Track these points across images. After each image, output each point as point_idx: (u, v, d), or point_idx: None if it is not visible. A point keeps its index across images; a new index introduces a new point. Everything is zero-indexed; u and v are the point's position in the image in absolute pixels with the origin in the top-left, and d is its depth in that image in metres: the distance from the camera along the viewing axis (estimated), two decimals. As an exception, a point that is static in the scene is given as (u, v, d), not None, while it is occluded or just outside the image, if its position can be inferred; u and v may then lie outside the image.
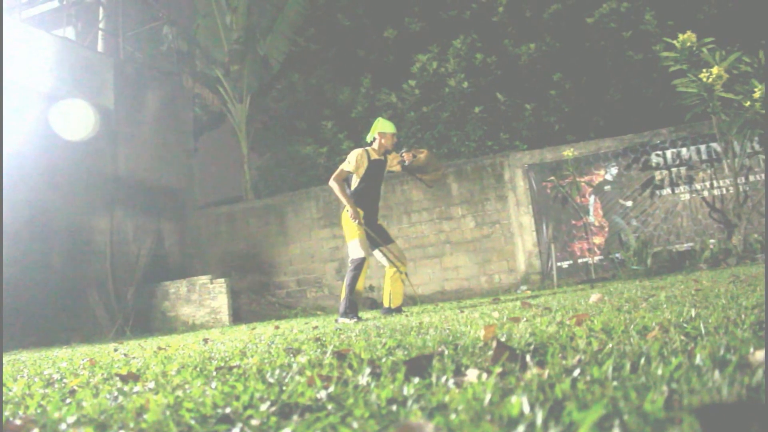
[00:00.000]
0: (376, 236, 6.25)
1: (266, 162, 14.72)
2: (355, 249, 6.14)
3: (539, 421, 0.98)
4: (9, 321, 8.98)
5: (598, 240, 9.97)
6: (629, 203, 9.89)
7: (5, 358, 5.27)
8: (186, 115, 13.69)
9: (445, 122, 12.27)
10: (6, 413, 1.56)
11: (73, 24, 13.51)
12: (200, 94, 13.81)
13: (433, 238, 10.78)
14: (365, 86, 13.33)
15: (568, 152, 9.78)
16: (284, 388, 1.50)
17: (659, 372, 1.22)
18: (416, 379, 1.45)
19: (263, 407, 1.29)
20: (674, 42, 8.68)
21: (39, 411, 1.54)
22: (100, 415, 1.35)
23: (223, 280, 10.30)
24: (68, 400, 1.68)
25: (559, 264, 9.98)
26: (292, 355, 2.35)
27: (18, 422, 1.31)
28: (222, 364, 2.24)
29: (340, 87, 13.96)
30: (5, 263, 9.37)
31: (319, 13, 14.74)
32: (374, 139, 6.50)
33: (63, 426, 1.27)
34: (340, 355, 2.01)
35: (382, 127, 6.48)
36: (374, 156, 6.43)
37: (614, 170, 10.01)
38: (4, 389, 2.28)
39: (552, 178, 10.15)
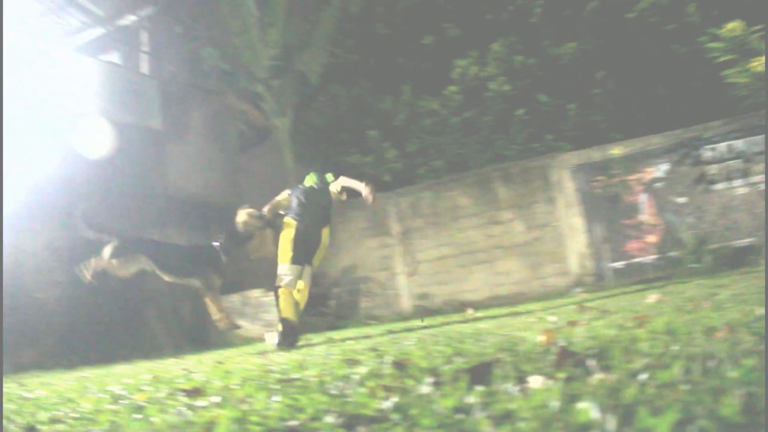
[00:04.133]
0: None
1: (312, 174, 14.80)
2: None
3: (611, 427, 0.97)
4: (70, 340, 9.24)
5: (652, 239, 9.75)
6: (682, 200, 9.65)
7: (71, 376, 5.42)
8: (231, 131, 13.91)
9: (488, 126, 12.18)
10: (80, 429, 1.60)
11: (118, 49, 13.89)
12: (244, 111, 14.02)
13: (483, 243, 10.70)
14: (406, 94, 13.33)
15: (616, 151, 9.61)
16: (347, 399, 1.51)
17: (733, 374, 1.19)
18: (479, 387, 1.45)
19: (328, 419, 1.30)
20: (720, 32, 8.47)
21: (111, 427, 1.58)
22: (171, 429, 1.38)
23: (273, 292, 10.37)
24: (137, 416, 1.73)
25: (612, 265, 9.80)
26: (350, 366, 2.37)
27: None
28: (282, 377, 2.27)
29: (381, 96, 13.99)
30: (68, 284, 9.65)
31: (356, 24, 14.81)
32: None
33: (138, 442, 1.30)
34: (400, 365, 2.02)
35: None
36: None
37: (665, 167, 9.79)
38: (74, 405, 2.34)
39: (600, 177, 9.99)
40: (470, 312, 7.73)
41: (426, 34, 13.88)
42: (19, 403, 2.79)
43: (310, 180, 6.87)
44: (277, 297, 6.22)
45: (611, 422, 0.97)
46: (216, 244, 6.76)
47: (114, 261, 6.35)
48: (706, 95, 10.75)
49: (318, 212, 6.58)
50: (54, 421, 1.93)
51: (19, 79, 9.71)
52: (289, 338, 5.97)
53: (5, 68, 9.49)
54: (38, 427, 1.80)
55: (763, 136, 9.31)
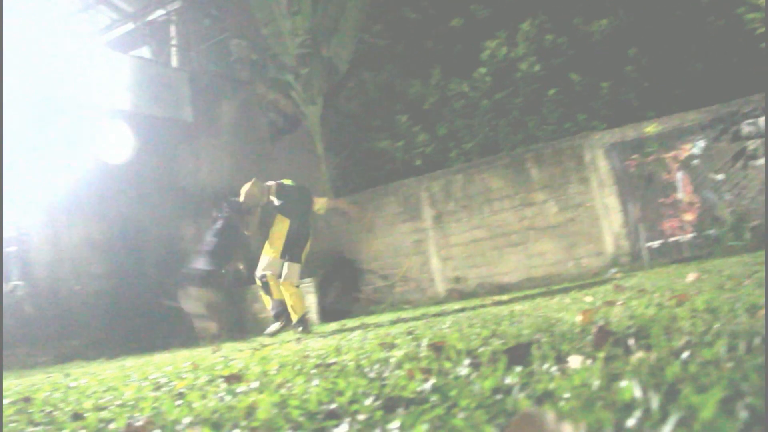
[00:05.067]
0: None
1: (343, 161, 14.86)
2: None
3: (655, 405, 0.95)
4: (111, 330, 9.43)
5: (689, 217, 9.57)
6: (720, 176, 9.44)
7: (113, 365, 5.53)
8: (261, 121, 14.00)
9: (520, 107, 12.06)
10: (124, 415, 1.63)
11: (148, 43, 14.04)
12: (274, 100, 14.07)
13: (516, 225, 10.62)
14: (435, 77, 13.25)
15: (651, 128, 9.43)
16: (385, 382, 1.51)
17: (779, 350, 1.16)
18: (517, 368, 1.44)
19: (367, 402, 1.30)
20: (759, 1, 8.23)
21: (154, 413, 1.61)
22: (213, 414, 1.39)
23: (309, 279, 10.45)
24: (179, 402, 1.75)
25: (649, 244, 9.65)
26: (387, 349, 2.37)
27: (139, 423, 1.38)
28: (320, 362, 2.28)
29: (410, 80, 13.93)
30: (105, 276, 9.85)
31: (384, 9, 14.74)
32: None
33: (180, 426, 1.32)
34: (436, 348, 2.01)
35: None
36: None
37: (702, 143, 9.58)
38: (117, 393, 2.39)
39: (635, 156, 9.82)
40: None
41: (454, 16, 13.76)
42: (65, 391, 2.85)
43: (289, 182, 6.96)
44: (266, 286, 6.51)
45: (655, 400, 0.95)
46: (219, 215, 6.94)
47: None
48: (745, 68, 10.47)
49: (307, 212, 6.83)
50: (98, 408, 1.97)
51: (53, 78, 9.87)
52: (300, 324, 6.40)
53: (39, 68, 9.67)
54: (84, 414, 1.83)
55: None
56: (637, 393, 1.03)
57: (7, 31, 9.51)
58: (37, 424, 1.84)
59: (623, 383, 1.08)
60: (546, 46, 12.15)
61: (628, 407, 0.98)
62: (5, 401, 2.73)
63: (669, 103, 10.99)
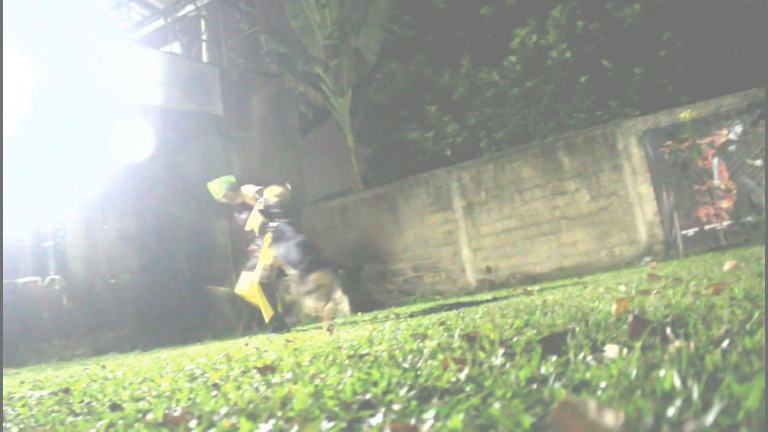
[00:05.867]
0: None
1: (373, 152, 14.88)
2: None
3: (695, 394, 0.93)
4: (145, 323, 9.58)
5: (725, 204, 9.39)
6: (758, 162, 9.24)
7: (147, 357, 5.62)
8: (291, 114, 14.07)
9: (551, 95, 11.93)
10: (161, 406, 1.65)
11: (178, 39, 14.19)
12: (304, 93, 14.13)
13: (548, 214, 10.53)
14: (465, 67, 13.17)
15: (685, 114, 9.26)
16: (419, 372, 1.51)
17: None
18: (552, 358, 1.42)
19: (402, 392, 1.30)
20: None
21: (190, 403, 1.63)
22: (248, 405, 1.40)
23: (340, 271, 10.49)
24: (214, 393, 1.77)
25: (684, 232, 9.50)
26: (419, 340, 2.36)
27: (176, 414, 1.39)
28: (352, 353, 2.28)
29: (439, 70, 13.87)
30: (139, 270, 10.00)
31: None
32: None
33: (216, 417, 1.33)
34: (469, 338, 2.00)
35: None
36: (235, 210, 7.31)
37: (738, 128, 9.38)
38: (153, 384, 2.42)
39: (669, 142, 9.65)
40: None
41: (483, 4, 13.65)
42: (102, 383, 2.90)
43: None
44: (265, 290, 6.85)
45: (696, 390, 0.93)
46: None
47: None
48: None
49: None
50: (135, 399, 2.00)
51: (86, 75, 10.02)
52: (282, 324, 6.77)
53: (71, 66, 9.82)
54: (122, 404, 1.86)
55: None
56: (677, 382, 1.01)
57: (42, 30, 9.67)
58: (77, 414, 1.87)
59: (662, 372, 1.06)
60: (577, 33, 12.00)
61: (668, 396, 0.96)
62: (46, 392, 2.79)
63: (704, 88, 10.78)
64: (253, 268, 7.03)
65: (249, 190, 7.16)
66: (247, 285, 7.09)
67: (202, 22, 14.14)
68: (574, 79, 11.71)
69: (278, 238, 6.77)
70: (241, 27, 14.60)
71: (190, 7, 13.80)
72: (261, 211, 7.02)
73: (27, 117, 8.73)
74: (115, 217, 9.86)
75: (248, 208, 7.15)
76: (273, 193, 6.99)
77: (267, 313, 6.87)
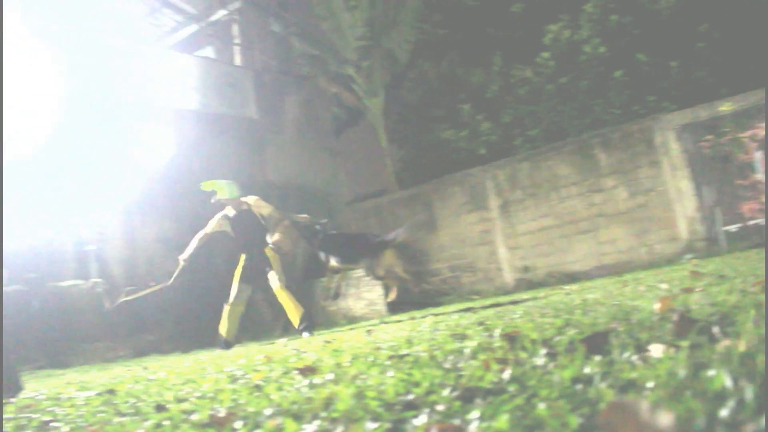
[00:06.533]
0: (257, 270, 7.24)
1: (407, 152, 14.87)
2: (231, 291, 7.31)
3: (750, 395, 0.91)
4: (185, 325, 9.71)
5: (769, 198, 9.18)
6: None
7: (187, 358, 5.69)
8: (325, 115, 14.15)
9: (585, 91, 11.78)
10: (205, 407, 1.67)
11: (212, 43, 14.37)
12: (336, 94, 14.19)
13: (585, 212, 10.40)
14: (497, 64, 13.09)
15: (726, 107, 9.06)
16: (461, 372, 1.50)
17: None
18: (596, 357, 1.41)
19: (445, 392, 1.30)
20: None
21: (233, 404, 1.64)
22: (292, 405, 1.41)
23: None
24: (256, 394, 1.78)
25: (726, 228, 9.30)
26: (459, 340, 2.35)
27: (221, 415, 1.41)
28: (392, 353, 2.28)
29: (472, 69, 13.81)
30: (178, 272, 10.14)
31: (443, -2, 14.64)
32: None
33: (261, 418, 1.34)
34: (510, 338, 1.99)
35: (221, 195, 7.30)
36: (231, 213, 7.29)
37: (781, 120, 9.16)
38: (195, 385, 2.45)
39: (709, 136, 9.46)
40: None
41: (514, 1, 13.54)
42: (146, 384, 2.95)
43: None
44: (290, 293, 7.23)
45: (750, 390, 0.91)
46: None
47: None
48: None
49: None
50: (179, 400, 2.03)
51: (123, 82, 10.20)
52: (312, 323, 7.17)
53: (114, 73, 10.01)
54: (166, 405, 1.89)
55: None
56: (728, 382, 0.99)
57: (81, 38, 9.88)
58: (123, 415, 1.91)
59: (711, 372, 1.04)
60: (611, 27, 11.82)
61: (719, 397, 0.94)
62: (92, 393, 2.84)
63: (744, 80, 10.53)
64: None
65: (263, 203, 7.28)
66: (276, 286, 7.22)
67: (235, 26, 14.29)
68: (609, 74, 11.54)
69: (329, 242, 6.99)
70: (273, 30, 14.72)
71: (223, 12, 13.96)
72: (299, 227, 7.25)
73: (68, 123, 8.92)
74: (153, 220, 10.01)
75: (251, 216, 7.26)
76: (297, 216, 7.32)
77: (296, 315, 7.07)
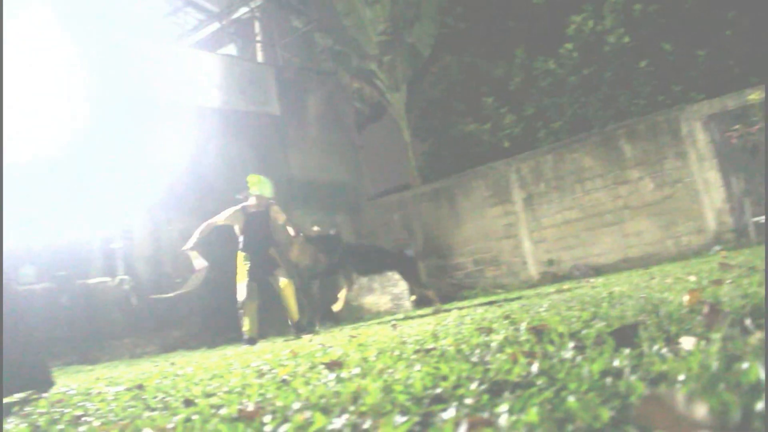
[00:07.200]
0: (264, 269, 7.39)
1: (430, 147, 14.84)
2: (239, 290, 7.35)
3: (785, 388, 0.89)
4: (211, 320, 9.79)
5: (799, 188, 9.01)
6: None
7: (214, 354, 5.74)
8: (347, 111, 14.16)
9: (610, 82, 11.65)
10: (233, 401, 1.69)
11: (234, 41, 14.45)
12: (359, 89, 14.20)
13: (610, 204, 10.30)
14: (520, 57, 13.00)
15: (755, 96, 8.90)
16: (488, 366, 1.49)
17: None
18: (625, 350, 1.39)
19: (473, 386, 1.29)
20: None
21: (261, 399, 1.65)
22: (320, 399, 1.41)
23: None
24: (284, 389, 1.79)
25: (755, 219, 9.15)
26: (485, 333, 2.34)
27: (250, 409, 1.41)
28: (418, 347, 2.27)
29: (494, 62, 13.74)
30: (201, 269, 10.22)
31: (465, -9, 14.57)
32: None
33: (290, 412, 1.34)
34: (537, 331, 1.97)
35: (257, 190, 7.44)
36: (252, 210, 7.40)
37: (811, 109, 8.98)
38: (223, 380, 2.47)
39: (737, 126, 9.30)
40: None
41: (537, -7, 13.44)
42: (174, 379, 2.97)
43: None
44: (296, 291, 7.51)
45: (785, 383, 0.89)
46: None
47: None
48: None
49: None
50: (207, 395, 2.04)
51: (147, 80, 10.29)
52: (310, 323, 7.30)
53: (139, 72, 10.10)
54: (194, 400, 1.90)
55: None
56: (762, 375, 0.97)
57: (105, 38, 9.97)
58: (153, 409, 1.92)
59: (745, 365, 1.02)
60: (635, 16, 11.67)
61: (754, 389, 0.92)
62: (121, 388, 2.87)
63: (773, 68, 10.35)
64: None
65: (281, 212, 7.53)
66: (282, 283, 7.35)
67: (257, 24, 14.34)
68: (634, 64, 11.40)
69: (348, 256, 7.25)
70: (294, 26, 14.76)
71: (244, 9, 14.02)
72: (314, 241, 7.48)
73: (94, 123, 9.02)
74: (178, 217, 10.08)
75: (266, 218, 7.47)
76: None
77: (294, 315, 7.41)
